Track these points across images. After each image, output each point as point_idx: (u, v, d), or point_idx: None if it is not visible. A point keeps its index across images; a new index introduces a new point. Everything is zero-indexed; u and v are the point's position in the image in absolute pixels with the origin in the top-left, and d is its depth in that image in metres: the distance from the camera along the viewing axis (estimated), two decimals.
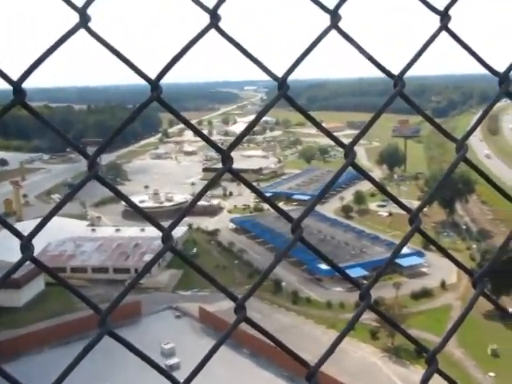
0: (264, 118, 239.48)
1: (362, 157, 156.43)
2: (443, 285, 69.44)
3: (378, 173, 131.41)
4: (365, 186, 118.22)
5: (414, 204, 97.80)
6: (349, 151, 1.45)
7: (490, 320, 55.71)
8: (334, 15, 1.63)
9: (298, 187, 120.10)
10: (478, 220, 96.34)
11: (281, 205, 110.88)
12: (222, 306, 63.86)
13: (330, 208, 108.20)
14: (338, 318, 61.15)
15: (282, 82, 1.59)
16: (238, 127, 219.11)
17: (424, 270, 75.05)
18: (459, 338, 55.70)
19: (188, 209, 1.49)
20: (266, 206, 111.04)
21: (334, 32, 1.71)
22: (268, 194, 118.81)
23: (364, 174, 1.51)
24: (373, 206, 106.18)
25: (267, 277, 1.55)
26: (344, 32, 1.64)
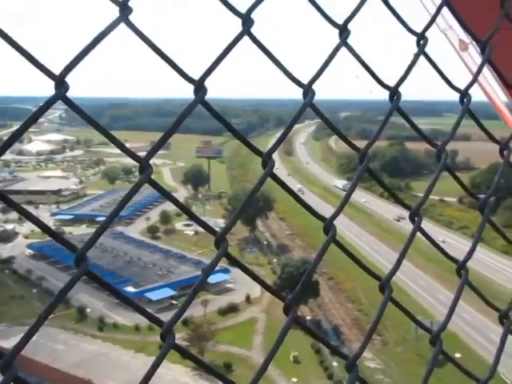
0: (63, 137, 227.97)
1: (168, 177, 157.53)
2: (248, 299, 72.46)
3: (183, 192, 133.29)
4: (171, 206, 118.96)
5: (219, 222, 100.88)
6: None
7: (291, 329, 59.51)
8: (247, 20, 1.58)
9: (101, 209, 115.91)
10: (278, 235, 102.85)
11: (83, 227, 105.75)
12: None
13: (136, 229, 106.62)
14: (147, 340, 60.10)
15: (198, 86, 1.48)
16: (35, 146, 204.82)
17: (230, 285, 77.57)
18: (265, 349, 58.55)
19: (101, 229, 1.30)
20: (66, 229, 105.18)
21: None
22: (69, 217, 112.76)
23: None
24: (179, 225, 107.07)
25: (195, 295, 1.41)
26: (257, 39, 1.59)
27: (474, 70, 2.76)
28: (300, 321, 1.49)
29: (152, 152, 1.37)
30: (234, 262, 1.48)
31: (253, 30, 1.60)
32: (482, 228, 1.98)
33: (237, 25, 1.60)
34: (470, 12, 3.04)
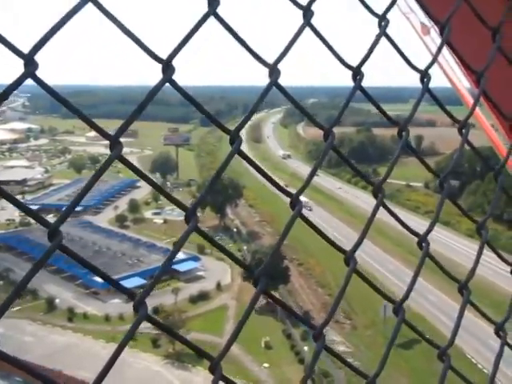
0: (26, 126, 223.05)
1: (135, 165, 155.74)
2: (219, 286, 72.67)
3: None
4: (139, 195, 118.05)
5: None
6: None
7: (262, 315, 59.97)
8: (212, 1, 1.61)
9: (68, 198, 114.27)
10: (247, 223, 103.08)
11: (50, 217, 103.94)
12: None
13: (104, 218, 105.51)
14: (118, 330, 59.81)
15: (166, 65, 1.51)
16: None
17: (200, 273, 77.63)
18: (238, 337, 58.86)
19: (73, 204, 1.32)
20: (33, 220, 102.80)
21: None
22: (34, 207, 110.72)
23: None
24: (148, 214, 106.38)
25: (168, 266, 1.45)
26: (223, 19, 1.62)
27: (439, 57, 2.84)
28: (269, 292, 1.55)
29: (121, 129, 1.40)
30: (204, 237, 1.53)
31: (219, 10, 1.64)
32: (442, 202, 2.07)
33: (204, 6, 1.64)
34: None
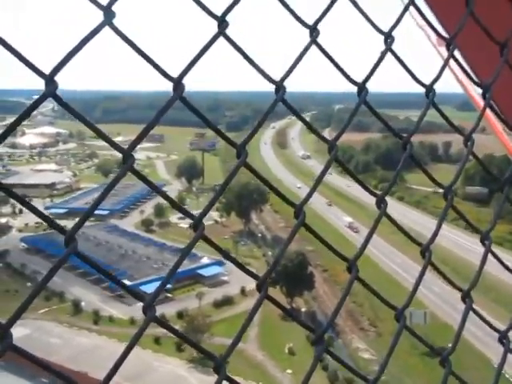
0: (56, 130, 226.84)
1: (161, 170, 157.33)
2: (243, 291, 72.71)
3: (177, 186, 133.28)
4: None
5: (213, 214, 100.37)
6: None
7: (286, 321, 59.81)
8: (222, 22, 1.71)
9: None
10: (272, 228, 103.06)
11: (77, 221, 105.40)
12: None
13: (130, 222, 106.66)
14: (143, 333, 60.24)
15: (177, 84, 1.61)
16: (29, 139, 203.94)
17: (225, 278, 77.81)
18: (260, 341, 58.91)
19: (86, 215, 1.43)
20: (60, 223, 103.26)
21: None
22: (63, 211, 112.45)
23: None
24: (173, 218, 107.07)
25: (175, 272, 1.55)
26: (232, 40, 1.72)
27: (452, 64, 2.90)
28: (271, 297, 1.63)
29: (134, 143, 1.50)
30: (210, 244, 1.62)
31: (228, 30, 1.74)
32: (445, 213, 2.13)
33: (214, 25, 1.74)
34: (443, 9, 3.17)
